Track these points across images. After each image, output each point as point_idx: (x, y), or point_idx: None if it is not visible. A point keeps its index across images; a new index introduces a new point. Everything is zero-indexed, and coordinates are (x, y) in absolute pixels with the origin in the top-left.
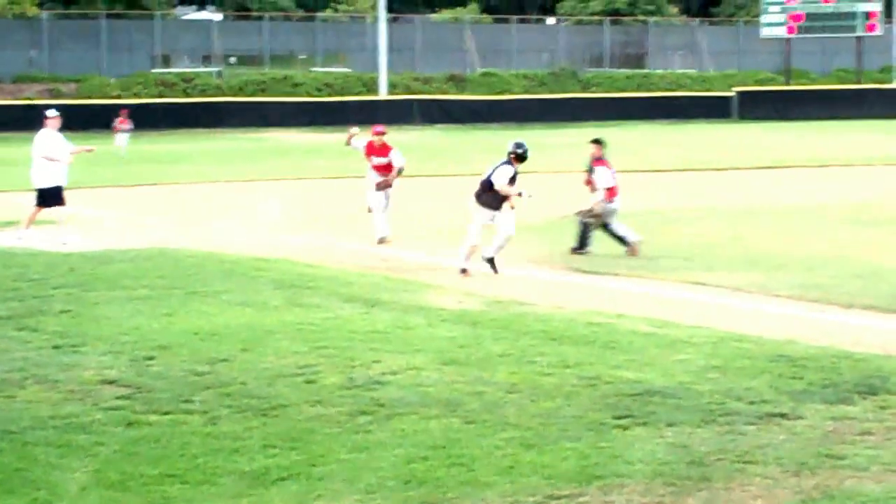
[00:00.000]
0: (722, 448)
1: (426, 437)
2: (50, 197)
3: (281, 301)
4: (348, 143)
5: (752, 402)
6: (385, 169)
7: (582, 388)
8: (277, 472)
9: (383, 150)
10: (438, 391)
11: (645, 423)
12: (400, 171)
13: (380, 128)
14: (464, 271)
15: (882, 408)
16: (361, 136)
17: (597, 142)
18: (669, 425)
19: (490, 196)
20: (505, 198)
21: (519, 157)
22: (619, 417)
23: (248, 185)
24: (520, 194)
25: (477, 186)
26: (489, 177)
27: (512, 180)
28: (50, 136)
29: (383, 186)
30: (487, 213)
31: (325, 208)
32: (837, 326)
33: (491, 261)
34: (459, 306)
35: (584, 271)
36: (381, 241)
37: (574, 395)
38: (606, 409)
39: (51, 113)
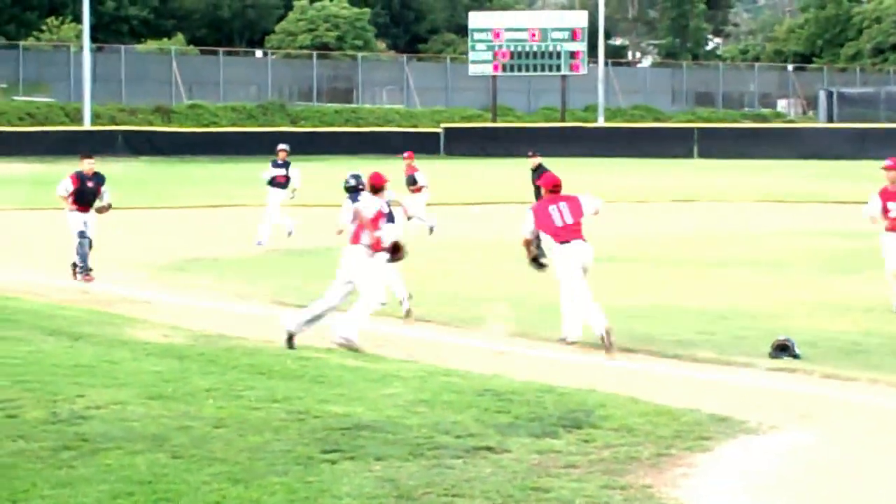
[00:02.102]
0: (430, 482)
1: (132, 472)
2: None
3: None
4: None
5: (459, 436)
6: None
7: (290, 422)
8: None
9: None
10: (144, 426)
11: (353, 458)
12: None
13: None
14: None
15: (586, 441)
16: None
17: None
18: (378, 459)
19: None
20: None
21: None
22: (328, 452)
23: None
24: None
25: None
26: None
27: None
28: None
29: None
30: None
31: (25, 240)
32: (542, 360)
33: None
34: (165, 340)
35: (291, 305)
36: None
37: (282, 430)
38: (315, 444)
39: None
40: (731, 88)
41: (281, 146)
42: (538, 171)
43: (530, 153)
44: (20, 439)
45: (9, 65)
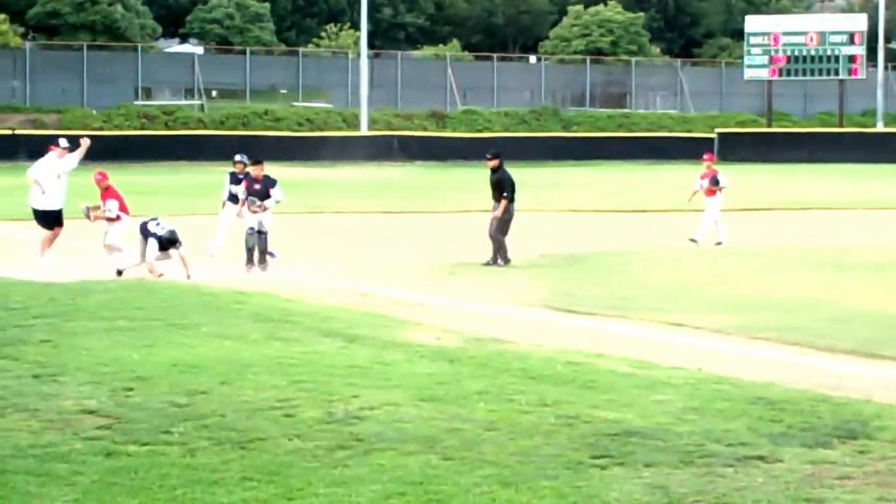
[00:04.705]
0: (700, 490)
1: (404, 472)
2: (42, 219)
3: (260, 335)
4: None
5: (730, 445)
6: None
7: (560, 427)
8: None
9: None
10: (416, 427)
11: (623, 464)
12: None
13: None
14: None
15: (861, 452)
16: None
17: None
18: (647, 466)
19: None
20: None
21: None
22: (598, 457)
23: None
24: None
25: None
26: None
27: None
28: (47, 162)
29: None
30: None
31: (303, 243)
32: (817, 370)
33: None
34: (438, 343)
35: (563, 310)
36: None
37: (552, 434)
38: (585, 449)
39: (62, 143)
40: None
41: None
42: (497, 172)
43: (488, 155)
44: (296, 438)
45: (289, 71)
